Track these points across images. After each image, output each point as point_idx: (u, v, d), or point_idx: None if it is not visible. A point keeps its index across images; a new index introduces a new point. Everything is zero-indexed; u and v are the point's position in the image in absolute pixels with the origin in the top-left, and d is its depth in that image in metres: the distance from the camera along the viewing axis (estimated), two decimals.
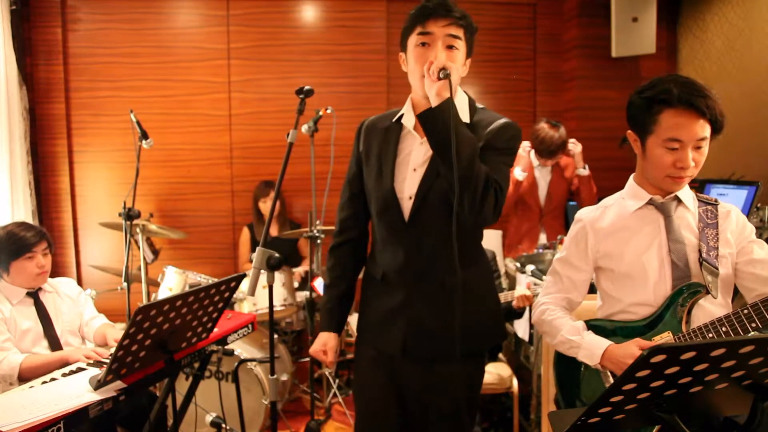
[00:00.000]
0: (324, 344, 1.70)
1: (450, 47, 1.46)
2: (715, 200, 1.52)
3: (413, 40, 1.48)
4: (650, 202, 1.51)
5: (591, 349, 1.46)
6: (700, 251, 1.44)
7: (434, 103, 1.38)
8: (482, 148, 1.48)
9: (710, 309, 1.45)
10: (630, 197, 1.55)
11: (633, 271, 1.49)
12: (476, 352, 1.63)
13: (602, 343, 1.46)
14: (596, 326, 1.57)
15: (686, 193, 1.51)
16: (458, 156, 1.34)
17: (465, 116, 1.53)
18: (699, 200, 1.53)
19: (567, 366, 1.63)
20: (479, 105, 1.59)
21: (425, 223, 1.53)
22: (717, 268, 1.42)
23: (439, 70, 1.36)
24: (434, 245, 1.52)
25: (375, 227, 1.66)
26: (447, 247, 1.42)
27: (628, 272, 1.50)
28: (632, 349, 1.39)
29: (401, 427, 1.65)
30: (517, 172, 3.25)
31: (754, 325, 1.32)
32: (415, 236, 1.54)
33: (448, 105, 1.34)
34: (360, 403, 1.72)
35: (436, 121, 1.36)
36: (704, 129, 1.37)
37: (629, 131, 1.51)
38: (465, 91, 1.60)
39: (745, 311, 1.32)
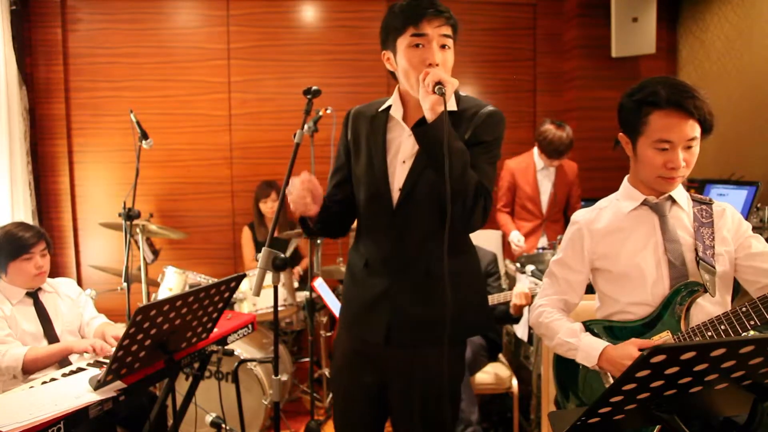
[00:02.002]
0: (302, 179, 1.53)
1: (443, 46, 1.46)
2: (710, 200, 1.53)
3: (405, 41, 1.46)
4: (644, 203, 1.51)
5: (588, 350, 1.47)
6: (696, 250, 1.45)
7: (428, 116, 1.37)
8: (469, 141, 1.48)
9: (708, 308, 1.45)
10: (624, 198, 1.55)
11: (630, 271, 1.50)
12: (458, 342, 1.63)
13: (599, 344, 1.46)
14: (594, 326, 1.57)
15: (680, 193, 1.52)
16: (450, 169, 1.34)
17: (452, 105, 1.53)
18: (693, 200, 1.54)
19: (566, 367, 1.63)
20: (462, 93, 1.59)
21: (412, 213, 1.54)
22: (714, 267, 1.43)
23: (435, 85, 1.34)
24: (420, 234, 1.53)
25: (361, 216, 1.66)
26: (433, 236, 1.46)
27: (625, 273, 1.50)
28: (630, 349, 1.39)
29: (377, 420, 1.67)
30: (515, 238, 3.37)
31: (752, 322, 1.32)
32: (401, 225, 1.55)
33: (442, 122, 1.34)
34: (338, 397, 1.74)
35: (430, 138, 1.37)
36: (694, 129, 1.38)
37: (621, 134, 1.52)
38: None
39: (743, 309, 1.33)
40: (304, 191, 1.51)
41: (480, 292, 1.69)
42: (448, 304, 1.36)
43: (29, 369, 1.98)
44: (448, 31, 1.46)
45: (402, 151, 1.56)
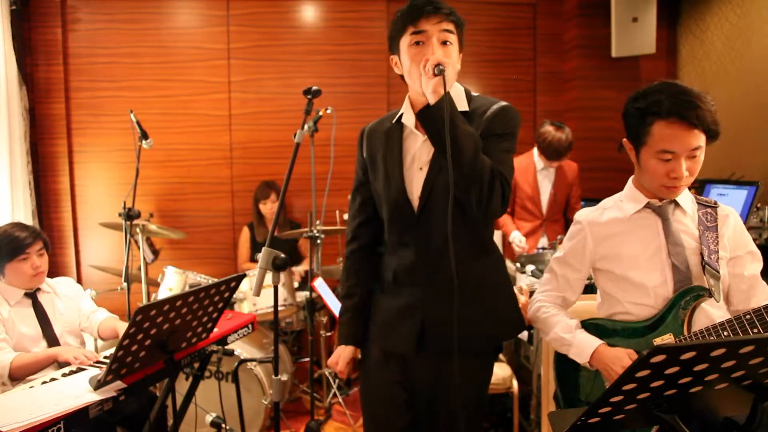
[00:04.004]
0: (338, 356, 1.69)
1: (444, 43, 1.45)
2: (715, 203, 1.52)
3: (406, 40, 1.47)
4: (648, 206, 1.51)
5: (581, 347, 1.48)
6: (702, 255, 1.44)
7: (431, 100, 1.37)
8: (482, 136, 1.45)
9: (711, 312, 1.45)
10: (628, 200, 1.55)
11: (633, 274, 1.49)
12: (488, 349, 1.61)
13: (593, 342, 1.47)
14: (597, 325, 1.57)
15: (684, 196, 1.51)
16: (461, 152, 1.33)
17: (463, 105, 1.52)
18: (698, 203, 1.53)
19: (566, 365, 1.63)
20: (474, 93, 1.59)
21: (433, 220, 1.51)
22: (718, 272, 1.43)
23: (434, 67, 1.35)
24: (443, 239, 1.48)
25: (386, 231, 1.64)
26: (456, 240, 1.41)
27: (628, 275, 1.50)
28: (622, 355, 1.41)
29: (410, 427, 1.63)
30: (516, 238, 3.35)
31: (756, 330, 1.32)
32: (424, 233, 1.53)
33: (444, 101, 1.34)
34: (367, 404, 1.71)
35: (434, 119, 1.36)
36: (698, 138, 1.36)
37: (625, 139, 1.51)
38: (459, 83, 1.59)
39: (748, 317, 1.33)
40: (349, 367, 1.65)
41: (509, 296, 1.64)
42: (456, 300, 1.33)
43: (16, 376, 1.96)
44: (448, 26, 1.45)
45: (418, 159, 1.55)
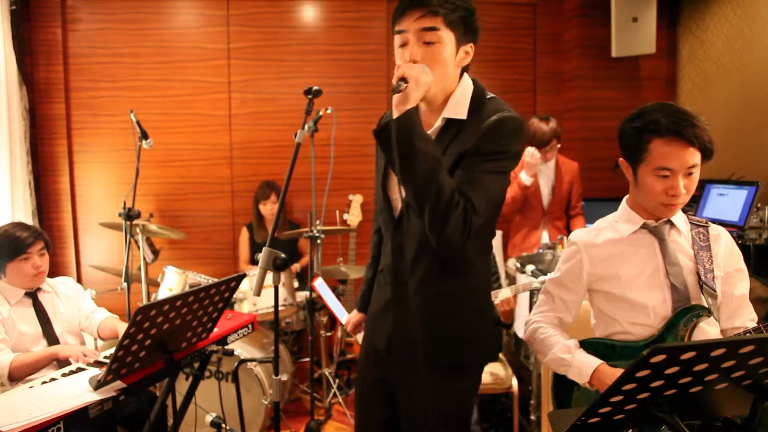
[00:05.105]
0: (349, 319, 1.88)
1: (427, 43, 1.31)
2: (706, 222, 1.54)
3: (395, 41, 1.37)
4: (644, 226, 1.52)
5: (581, 367, 1.47)
6: (698, 274, 1.46)
7: (393, 115, 1.26)
8: (469, 151, 1.34)
9: (708, 330, 1.46)
10: (623, 221, 1.56)
11: (631, 294, 1.50)
12: (458, 367, 1.50)
13: (593, 362, 1.47)
14: (596, 345, 1.56)
15: (678, 216, 1.53)
16: (413, 173, 1.24)
17: (463, 112, 1.40)
18: (690, 222, 1.55)
19: (565, 387, 1.63)
20: (490, 95, 1.45)
21: (410, 227, 1.46)
22: (716, 291, 1.45)
23: (397, 80, 1.24)
24: (415, 249, 1.44)
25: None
26: (425, 254, 1.41)
27: (627, 296, 1.51)
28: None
29: (392, 421, 1.63)
30: (524, 177, 3.25)
31: None
32: (400, 239, 1.49)
33: (402, 120, 1.23)
34: (356, 392, 1.76)
35: (384, 138, 1.26)
36: (694, 156, 1.39)
37: (621, 159, 1.52)
38: (475, 80, 1.49)
39: (748, 335, 1.34)
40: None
41: (481, 321, 1.52)
42: (418, 319, 1.33)
43: (15, 376, 1.96)
44: (430, 22, 1.29)
45: None
